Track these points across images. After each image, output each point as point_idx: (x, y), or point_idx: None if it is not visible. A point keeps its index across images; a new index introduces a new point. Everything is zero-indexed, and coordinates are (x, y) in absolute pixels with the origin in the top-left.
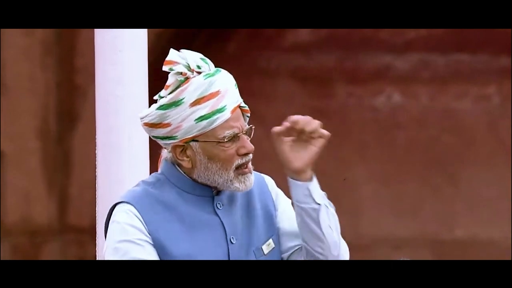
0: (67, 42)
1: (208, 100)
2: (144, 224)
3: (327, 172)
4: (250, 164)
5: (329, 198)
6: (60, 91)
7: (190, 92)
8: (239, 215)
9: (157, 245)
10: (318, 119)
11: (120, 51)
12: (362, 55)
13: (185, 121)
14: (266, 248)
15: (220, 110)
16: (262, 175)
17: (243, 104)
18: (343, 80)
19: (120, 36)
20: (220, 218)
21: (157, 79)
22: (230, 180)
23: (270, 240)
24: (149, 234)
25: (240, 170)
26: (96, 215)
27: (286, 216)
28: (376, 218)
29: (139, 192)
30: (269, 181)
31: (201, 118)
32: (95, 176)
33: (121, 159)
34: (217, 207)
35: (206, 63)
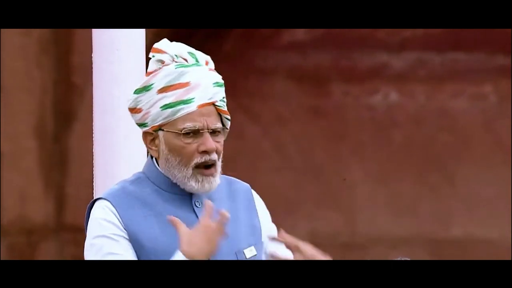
0: (64, 41)
1: (176, 89)
2: (120, 219)
3: (324, 171)
4: (216, 168)
5: (326, 197)
6: (57, 90)
7: (159, 78)
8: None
9: (133, 240)
10: (315, 118)
11: (118, 50)
12: (358, 54)
13: (152, 107)
14: (248, 253)
15: (185, 102)
16: (247, 184)
17: (219, 104)
18: (340, 79)
19: (117, 35)
20: (197, 217)
21: None
22: (188, 178)
23: (252, 247)
24: (125, 229)
25: (200, 169)
26: None
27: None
28: (373, 217)
29: (116, 189)
30: (256, 195)
31: (166, 106)
32: (92, 175)
33: (118, 158)
34: (196, 205)
35: (193, 57)
